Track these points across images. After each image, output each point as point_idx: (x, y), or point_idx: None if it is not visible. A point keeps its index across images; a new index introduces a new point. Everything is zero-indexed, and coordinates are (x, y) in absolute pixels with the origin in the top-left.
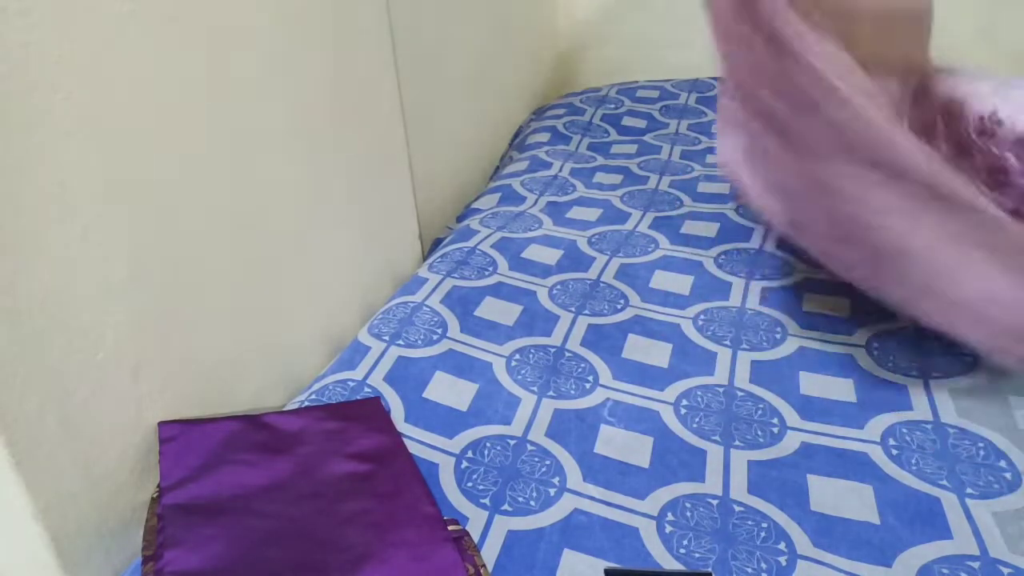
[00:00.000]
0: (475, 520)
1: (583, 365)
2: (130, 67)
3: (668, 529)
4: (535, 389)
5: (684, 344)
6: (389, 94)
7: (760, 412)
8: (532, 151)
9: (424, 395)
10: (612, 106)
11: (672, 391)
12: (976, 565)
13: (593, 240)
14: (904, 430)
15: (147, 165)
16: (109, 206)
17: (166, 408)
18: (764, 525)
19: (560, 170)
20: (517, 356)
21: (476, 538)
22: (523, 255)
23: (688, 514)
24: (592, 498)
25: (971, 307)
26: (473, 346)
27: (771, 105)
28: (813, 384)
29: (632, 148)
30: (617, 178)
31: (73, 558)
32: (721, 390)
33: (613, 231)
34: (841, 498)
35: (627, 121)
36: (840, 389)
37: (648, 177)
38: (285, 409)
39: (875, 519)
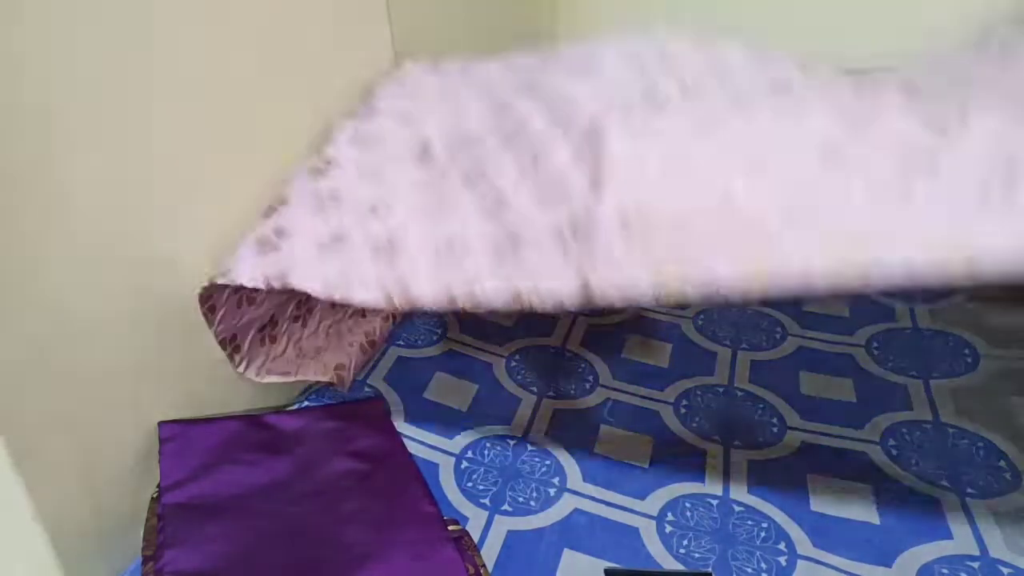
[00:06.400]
0: (475, 520)
1: (582, 365)
2: (131, 68)
3: (668, 529)
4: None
5: (685, 345)
6: None
7: (760, 412)
8: None
9: (424, 395)
10: None
11: (672, 391)
12: (976, 565)
13: None
14: (904, 430)
15: (148, 166)
16: (110, 207)
17: (166, 408)
18: (764, 525)
19: None
20: (517, 357)
21: (476, 538)
22: None
23: (688, 514)
24: (592, 498)
25: None
26: (472, 346)
27: None
28: (813, 384)
29: None
30: None
31: (73, 558)
32: (721, 390)
33: None
34: (841, 498)
35: None
36: (840, 389)
37: None
38: (285, 409)
39: (875, 519)
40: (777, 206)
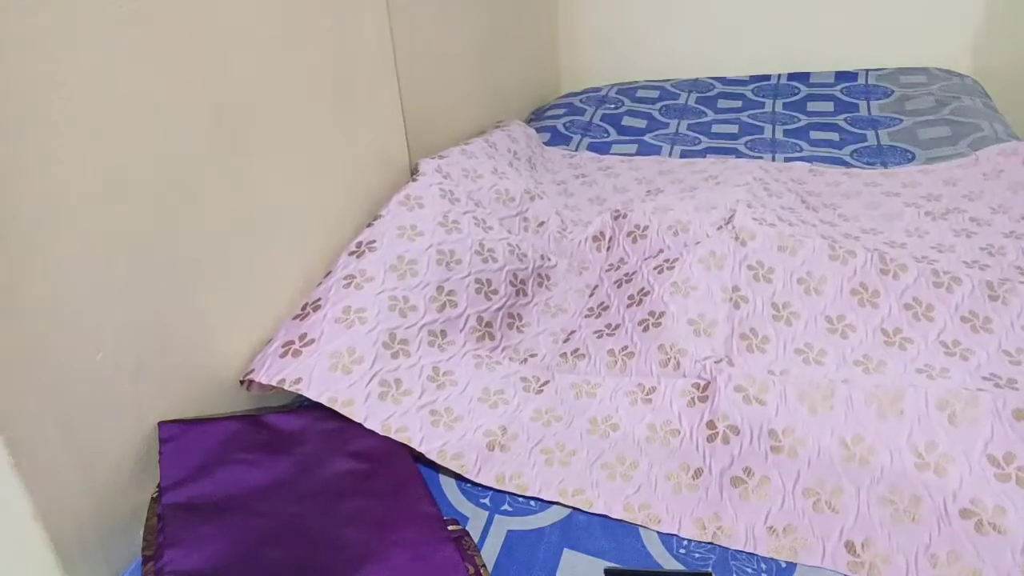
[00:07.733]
0: (475, 520)
1: None
2: (130, 67)
3: None
4: None
5: None
6: (390, 96)
7: None
8: None
9: None
10: (612, 106)
11: None
12: None
13: None
14: None
15: (147, 165)
16: (109, 206)
17: (166, 408)
18: None
19: None
20: None
21: (476, 538)
22: None
23: None
24: None
25: None
26: None
27: None
28: None
29: (632, 148)
30: None
31: (73, 558)
32: None
33: None
34: None
35: (627, 121)
36: None
37: None
38: (285, 409)
39: None
40: None
